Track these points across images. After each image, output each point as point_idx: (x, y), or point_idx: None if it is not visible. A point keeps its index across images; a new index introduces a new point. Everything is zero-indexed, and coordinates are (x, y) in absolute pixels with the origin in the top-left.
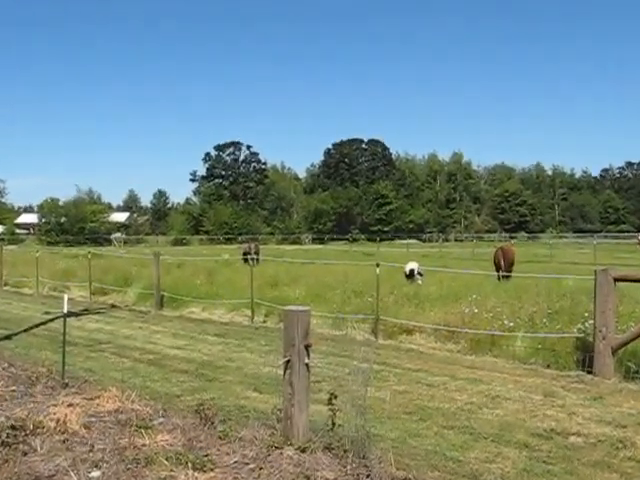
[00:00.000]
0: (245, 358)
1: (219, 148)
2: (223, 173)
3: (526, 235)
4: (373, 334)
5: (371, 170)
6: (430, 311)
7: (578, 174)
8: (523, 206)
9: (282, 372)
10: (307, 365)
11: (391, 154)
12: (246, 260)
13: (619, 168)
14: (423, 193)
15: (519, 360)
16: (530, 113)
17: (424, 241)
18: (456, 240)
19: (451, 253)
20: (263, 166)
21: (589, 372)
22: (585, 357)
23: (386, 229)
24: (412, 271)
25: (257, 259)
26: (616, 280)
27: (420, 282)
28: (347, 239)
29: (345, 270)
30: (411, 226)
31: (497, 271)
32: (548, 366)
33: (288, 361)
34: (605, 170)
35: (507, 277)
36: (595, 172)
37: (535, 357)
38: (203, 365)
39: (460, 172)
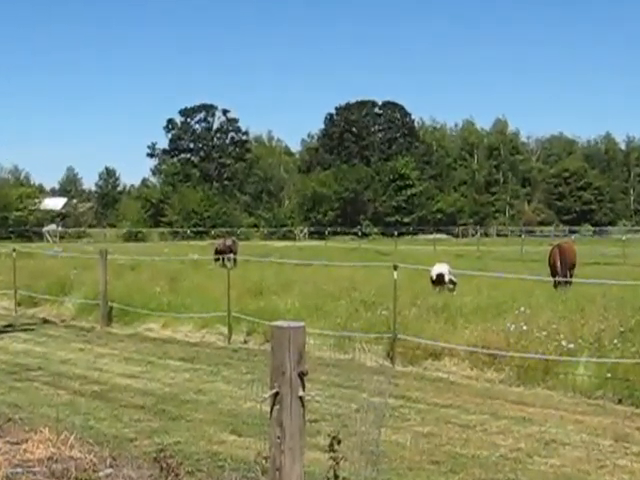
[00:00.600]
0: (220, 390)
1: (186, 113)
2: (191, 146)
3: (591, 229)
4: (389, 358)
5: (387, 142)
6: (464, 328)
7: None
8: (587, 190)
9: (269, 408)
10: (302, 399)
11: (413, 121)
12: (220, 261)
13: None
14: (455, 173)
15: (581, 393)
16: (596, 68)
17: (456, 236)
18: (499, 235)
19: (492, 252)
20: (244, 137)
21: None
22: None
23: (406, 220)
24: (441, 276)
25: (235, 259)
26: None
27: (454, 292)
28: (355, 233)
29: (352, 274)
30: (439, 216)
31: (553, 276)
32: (620, 401)
33: (277, 394)
34: None
35: (566, 284)
36: None
37: (603, 389)
38: (165, 399)
39: (504, 145)
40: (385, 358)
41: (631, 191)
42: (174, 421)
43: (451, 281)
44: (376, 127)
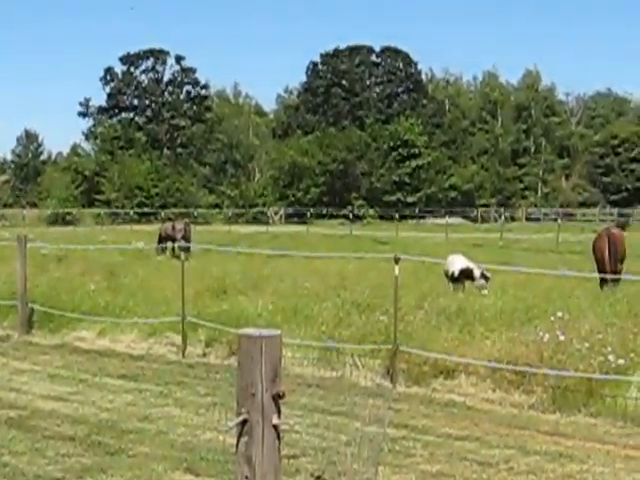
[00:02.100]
0: (171, 416)
1: (129, 61)
2: (135, 103)
3: None
4: (388, 377)
5: (386, 99)
6: (485, 339)
7: None
8: None
9: (234, 440)
10: (277, 428)
11: (420, 73)
12: (166, 251)
13: None
14: (474, 139)
15: (634, 422)
16: None
17: (475, 220)
18: (529, 219)
19: (520, 241)
20: (203, 92)
21: None
22: None
23: (411, 200)
24: (466, 271)
25: (188, 248)
26: None
27: (485, 292)
28: (345, 216)
29: (342, 268)
30: (453, 195)
31: (599, 271)
32: None
33: (245, 422)
34: None
35: (615, 281)
36: None
37: None
38: (100, 428)
39: (537, 105)
40: (383, 376)
41: None
42: (112, 456)
43: (483, 275)
44: (372, 80)
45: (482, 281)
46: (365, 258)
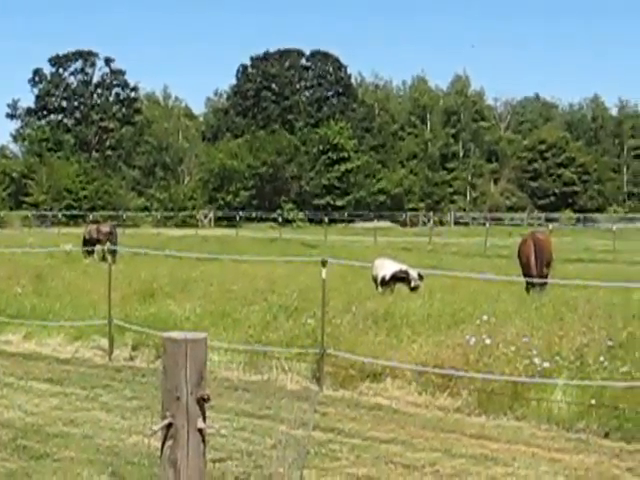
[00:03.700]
0: (97, 420)
1: (58, 62)
2: (64, 105)
3: (574, 216)
4: (315, 380)
5: (316, 103)
6: (412, 342)
7: None
8: (569, 168)
9: (159, 444)
10: (202, 432)
11: (350, 77)
12: (92, 254)
13: None
14: (403, 143)
15: (559, 425)
16: (581, 12)
17: (404, 224)
18: (457, 223)
19: (448, 245)
20: (133, 94)
21: None
22: None
23: (340, 203)
24: (396, 275)
25: (115, 251)
26: None
27: (415, 284)
28: (274, 220)
29: (270, 272)
30: (382, 199)
31: (525, 275)
32: (607, 435)
33: (170, 425)
34: None
35: (542, 286)
36: None
37: (586, 419)
38: (26, 432)
39: (466, 109)
40: (311, 380)
41: (624, 169)
42: (38, 461)
43: (419, 275)
44: (303, 84)
45: (419, 281)
46: (294, 262)
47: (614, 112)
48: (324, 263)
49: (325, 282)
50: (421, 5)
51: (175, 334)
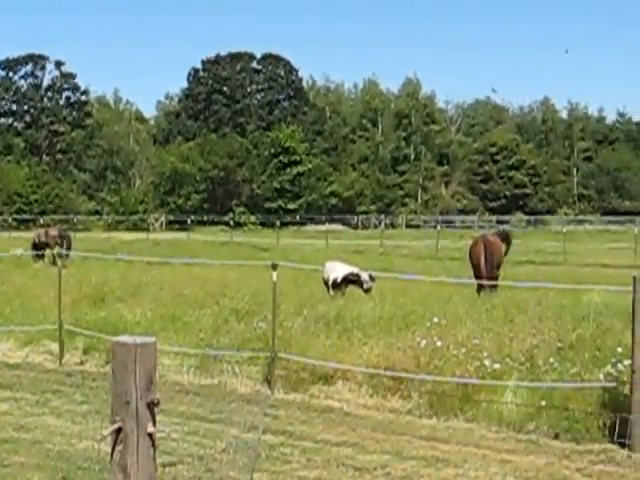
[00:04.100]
0: (47, 425)
1: (7, 66)
2: (14, 108)
3: (525, 219)
4: (267, 383)
5: (267, 106)
6: (363, 345)
7: (610, 118)
8: (520, 170)
9: (110, 449)
10: (152, 436)
11: (301, 80)
12: (42, 258)
13: None
14: (354, 147)
15: (509, 426)
16: (530, 14)
17: (355, 227)
18: (409, 226)
19: (400, 247)
20: (83, 97)
21: (624, 445)
22: (617, 421)
23: (292, 207)
24: (347, 277)
25: (67, 255)
26: None
27: (367, 286)
28: (226, 223)
29: (222, 275)
30: (334, 202)
31: (475, 277)
32: (557, 436)
33: (119, 430)
34: None
35: (492, 287)
36: (639, 115)
37: (536, 421)
38: None
39: (417, 113)
40: (262, 383)
41: (574, 171)
42: None
43: (371, 277)
44: (254, 87)
45: (371, 282)
46: (245, 265)
47: (564, 115)
48: (275, 266)
49: (276, 285)
50: (372, 8)
51: (124, 338)
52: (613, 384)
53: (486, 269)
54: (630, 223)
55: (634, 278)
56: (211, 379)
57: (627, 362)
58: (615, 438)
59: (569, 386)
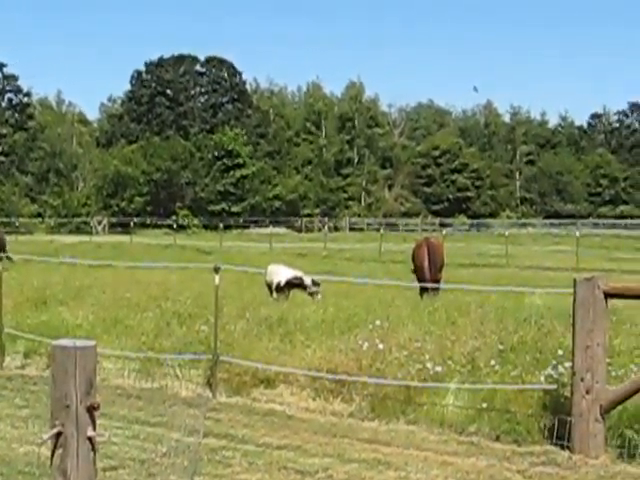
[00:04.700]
0: None
1: None
2: None
3: (468, 222)
4: (209, 387)
5: (211, 109)
6: (306, 348)
7: (552, 122)
8: (463, 173)
9: (50, 453)
10: (92, 440)
11: (245, 83)
12: None
13: (618, 113)
14: (298, 150)
15: (451, 428)
16: (472, 18)
17: (299, 230)
18: (352, 229)
19: (343, 250)
20: (25, 99)
21: (564, 447)
22: (558, 422)
23: (235, 209)
24: (290, 281)
25: (9, 258)
26: (609, 296)
27: (319, 297)
28: (169, 226)
29: (165, 278)
30: (277, 205)
31: (418, 280)
32: (498, 438)
33: (59, 434)
34: (596, 116)
35: (435, 290)
36: (580, 119)
37: (477, 423)
38: None
39: (360, 116)
40: (204, 386)
41: (517, 175)
42: None
43: (314, 282)
44: (197, 89)
45: (315, 287)
46: (188, 268)
47: (507, 118)
48: (217, 269)
49: (218, 288)
50: (315, 11)
51: (64, 342)
52: (554, 386)
53: (430, 272)
54: (572, 226)
55: (575, 281)
56: (153, 383)
57: (568, 364)
58: (556, 440)
59: (510, 388)
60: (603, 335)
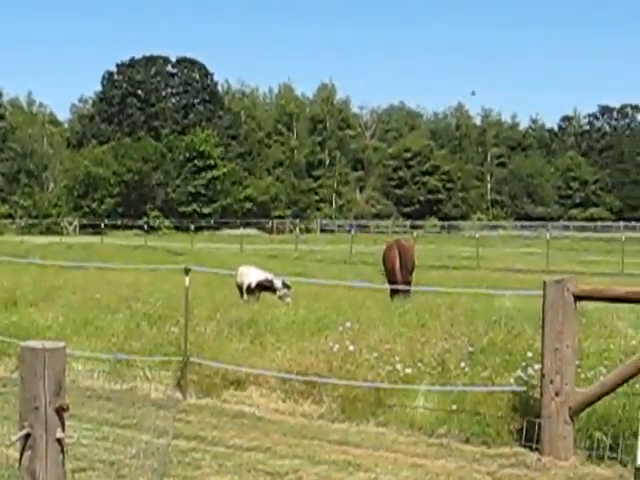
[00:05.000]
0: None
1: None
2: None
3: (438, 224)
4: (179, 388)
5: (182, 110)
6: (276, 349)
7: (523, 124)
8: (434, 175)
9: (19, 455)
10: (61, 442)
11: (216, 84)
12: None
13: (589, 116)
14: (269, 151)
15: (421, 430)
16: (443, 21)
17: (270, 232)
18: (323, 230)
19: (314, 252)
20: None
21: (533, 448)
22: (527, 424)
23: (206, 211)
24: (261, 283)
25: None
26: (579, 298)
27: (289, 299)
28: (140, 227)
29: (135, 279)
30: (249, 206)
31: (389, 282)
32: (467, 440)
33: (28, 435)
34: (567, 119)
35: (406, 292)
36: (551, 122)
37: (447, 425)
38: None
39: (332, 118)
40: (174, 388)
41: (488, 177)
42: None
43: (284, 284)
44: (169, 90)
45: (285, 290)
46: (159, 269)
47: (478, 121)
48: (187, 271)
49: (188, 290)
50: (287, 13)
51: (33, 343)
52: (523, 388)
53: (401, 274)
54: (542, 228)
55: (544, 283)
56: (123, 384)
57: (537, 366)
58: (525, 442)
59: (480, 390)
60: (572, 337)
